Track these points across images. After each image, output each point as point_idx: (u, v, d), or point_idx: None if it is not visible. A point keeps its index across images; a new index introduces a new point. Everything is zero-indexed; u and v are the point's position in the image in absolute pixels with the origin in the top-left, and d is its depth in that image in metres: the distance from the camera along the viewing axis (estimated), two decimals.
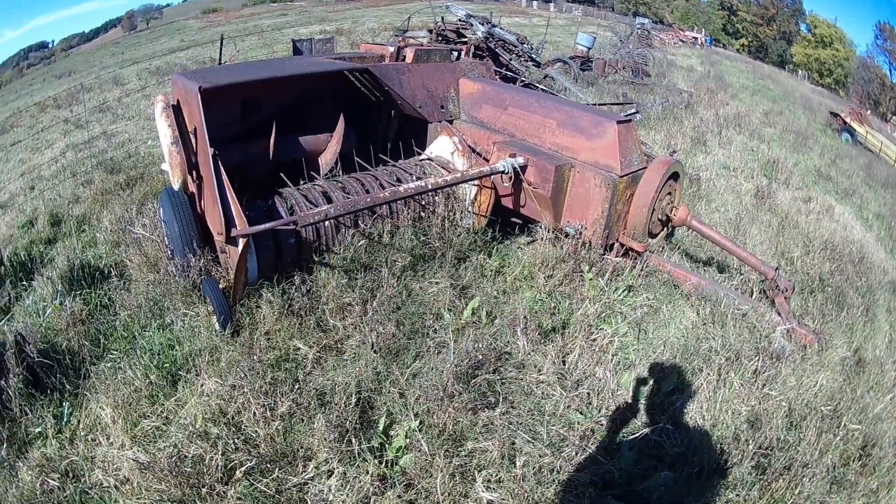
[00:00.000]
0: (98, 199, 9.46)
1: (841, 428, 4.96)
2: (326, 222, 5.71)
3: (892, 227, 14.46)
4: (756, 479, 4.31)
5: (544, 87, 14.58)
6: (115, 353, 5.12)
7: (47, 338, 5.24)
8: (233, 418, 4.25)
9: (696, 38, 67.99)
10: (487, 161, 7.02)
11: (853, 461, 4.79)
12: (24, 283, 6.72)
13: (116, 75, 28.76)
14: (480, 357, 4.78)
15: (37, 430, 4.35)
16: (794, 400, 5.15)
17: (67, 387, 4.68)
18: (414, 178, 6.61)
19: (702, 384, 5.13)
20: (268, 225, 4.83)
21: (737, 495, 4.17)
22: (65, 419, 4.47)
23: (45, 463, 4.08)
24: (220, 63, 11.98)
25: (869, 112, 45.58)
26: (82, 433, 4.34)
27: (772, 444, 4.57)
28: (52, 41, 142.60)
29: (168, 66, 28.86)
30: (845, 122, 32.46)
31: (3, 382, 4.50)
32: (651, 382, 5.23)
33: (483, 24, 16.31)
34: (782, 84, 48.96)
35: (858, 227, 13.24)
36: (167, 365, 4.87)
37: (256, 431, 4.09)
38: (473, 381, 4.63)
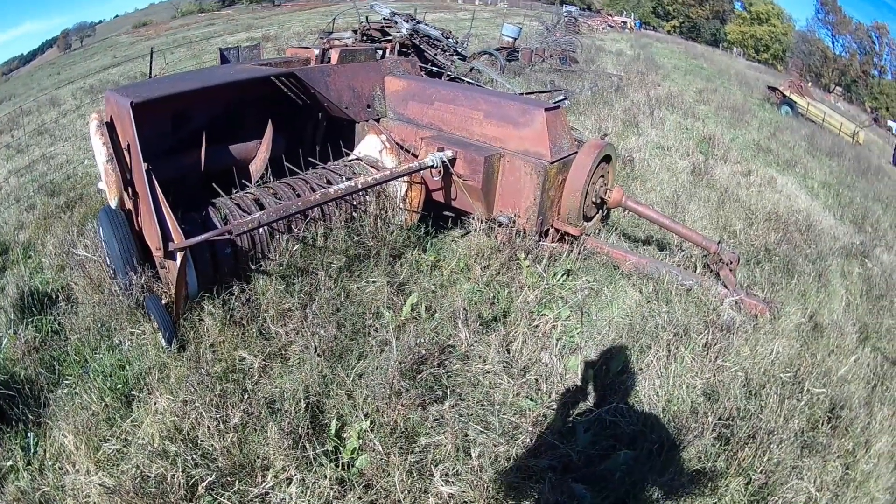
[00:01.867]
0: (41, 223, 9.37)
1: (804, 393, 5.06)
2: (261, 229, 5.70)
3: (840, 194, 14.60)
4: (720, 449, 4.38)
5: (471, 80, 14.68)
6: (69, 378, 5.08)
7: (6, 368, 5.21)
8: (188, 434, 4.24)
9: (624, 23, 68.73)
10: (416, 157, 7.04)
11: (822, 424, 4.89)
12: None
13: (53, 96, 28.46)
14: (423, 352, 4.82)
15: (8, 463, 4.31)
16: (750, 369, 5.25)
17: (30, 416, 4.64)
18: (343, 178, 6.62)
19: (651, 361, 5.21)
20: (203, 237, 4.82)
21: (703, 466, 4.24)
22: (32, 450, 4.44)
23: (21, 496, 4.04)
24: (150, 77, 11.96)
25: (810, 84, 46.06)
26: (49, 462, 4.31)
27: (732, 415, 4.65)
28: None
29: (101, 84, 28.68)
30: (784, 96, 32.64)
31: None
32: (599, 363, 5.27)
33: (407, 22, 16.29)
34: (716, 62, 49.30)
35: (803, 197, 13.40)
36: (120, 386, 4.83)
37: (213, 445, 4.09)
38: (419, 376, 4.67)
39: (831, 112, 33.10)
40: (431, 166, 6.39)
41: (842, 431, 4.87)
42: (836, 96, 59.21)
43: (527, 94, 13.57)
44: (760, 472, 4.22)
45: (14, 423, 4.58)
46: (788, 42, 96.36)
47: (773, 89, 33.81)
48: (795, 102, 32.15)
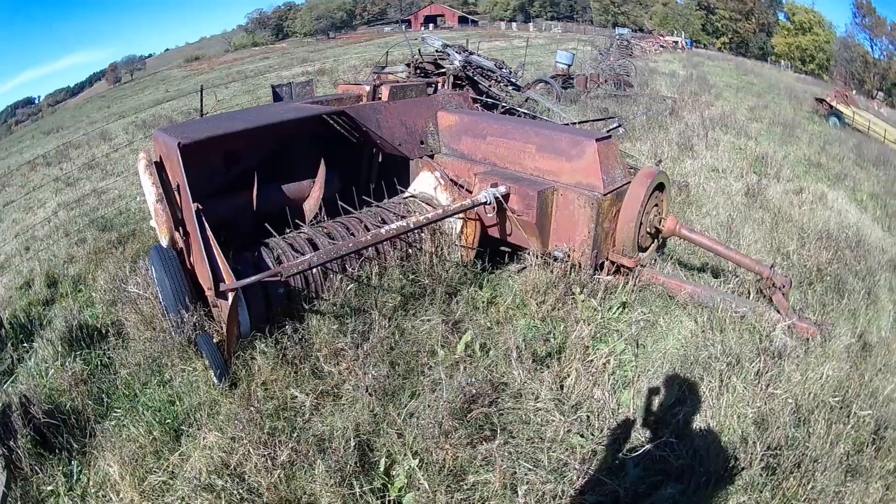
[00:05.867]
0: (92, 258, 9.54)
1: (851, 416, 4.94)
2: (314, 269, 5.73)
3: (887, 204, 14.38)
4: (767, 479, 4.31)
5: (526, 111, 14.63)
6: (118, 410, 5.16)
7: (52, 398, 5.31)
8: (235, 469, 4.27)
9: (676, 42, 68.49)
10: (471, 192, 7.03)
11: (867, 447, 4.75)
12: (25, 344, 6.80)
13: (104, 130, 28.90)
14: (475, 391, 4.78)
15: (49, 488, 4.41)
16: (800, 395, 5.13)
17: (75, 445, 4.74)
18: (398, 217, 6.62)
19: (704, 392, 5.15)
20: (254, 278, 4.84)
21: (748, 498, 4.18)
22: (75, 477, 4.53)
23: None
24: (201, 114, 12.09)
25: (854, 92, 45.47)
26: (92, 490, 4.40)
27: (780, 443, 4.57)
28: (39, 97, 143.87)
29: (154, 119, 29.05)
30: (831, 107, 32.29)
31: (11, 443, 4.59)
32: (651, 397, 5.22)
33: (460, 53, 16.29)
34: (766, 77, 49.10)
35: (853, 211, 13.20)
36: (169, 420, 4.91)
37: (259, 481, 4.11)
38: (469, 415, 4.64)
39: (875, 119, 32.60)
40: (485, 203, 6.37)
41: (885, 452, 4.75)
42: (880, 102, 58.34)
43: (582, 122, 13.53)
44: (804, 500, 4.16)
45: (58, 451, 4.69)
46: (831, 50, 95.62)
47: (821, 101, 33.46)
48: (842, 113, 31.79)
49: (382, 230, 5.65)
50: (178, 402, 5.12)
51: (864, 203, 14.32)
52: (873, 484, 4.43)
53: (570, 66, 24.78)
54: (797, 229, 10.00)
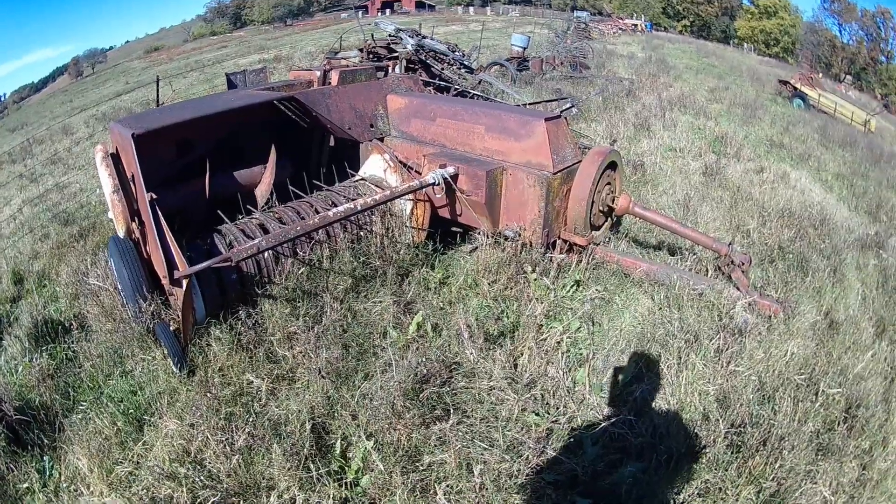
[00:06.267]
0: (55, 252, 9.49)
1: (819, 394, 4.96)
2: (266, 254, 5.74)
3: (854, 184, 14.40)
4: (732, 457, 4.31)
5: (479, 93, 14.66)
6: (83, 403, 5.17)
7: (22, 395, 5.30)
8: (196, 456, 4.28)
9: (635, 25, 68.79)
10: (421, 174, 7.04)
11: (838, 425, 4.78)
12: None
13: (66, 124, 28.66)
14: (427, 371, 4.81)
15: (24, 485, 4.41)
16: (763, 373, 5.15)
17: (45, 441, 4.74)
18: (347, 200, 6.60)
19: (663, 369, 5.16)
20: (203, 264, 4.85)
21: (714, 476, 4.17)
22: (48, 472, 4.53)
23: None
24: (158, 105, 12.04)
25: (821, 75, 45.78)
26: (64, 484, 4.39)
27: (744, 421, 4.58)
28: (4, 94, 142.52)
29: (114, 111, 28.98)
30: (796, 89, 32.52)
31: None
32: (608, 375, 5.26)
33: (413, 37, 16.45)
34: (727, 59, 49.21)
35: (817, 190, 13.26)
36: (132, 411, 4.92)
37: (218, 467, 4.12)
38: (422, 395, 4.66)
39: (842, 102, 32.87)
40: (432, 184, 6.38)
41: (858, 431, 4.78)
42: (847, 85, 58.81)
43: (534, 103, 13.52)
44: (772, 479, 4.14)
45: (30, 447, 4.69)
46: (797, 34, 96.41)
47: (784, 83, 33.69)
48: (807, 95, 32.02)
49: (330, 213, 5.65)
50: (139, 392, 5.12)
51: (829, 183, 14.36)
52: (848, 463, 4.46)
53: (525, 48, 24.77)
54: (758, 208, 10.04)
